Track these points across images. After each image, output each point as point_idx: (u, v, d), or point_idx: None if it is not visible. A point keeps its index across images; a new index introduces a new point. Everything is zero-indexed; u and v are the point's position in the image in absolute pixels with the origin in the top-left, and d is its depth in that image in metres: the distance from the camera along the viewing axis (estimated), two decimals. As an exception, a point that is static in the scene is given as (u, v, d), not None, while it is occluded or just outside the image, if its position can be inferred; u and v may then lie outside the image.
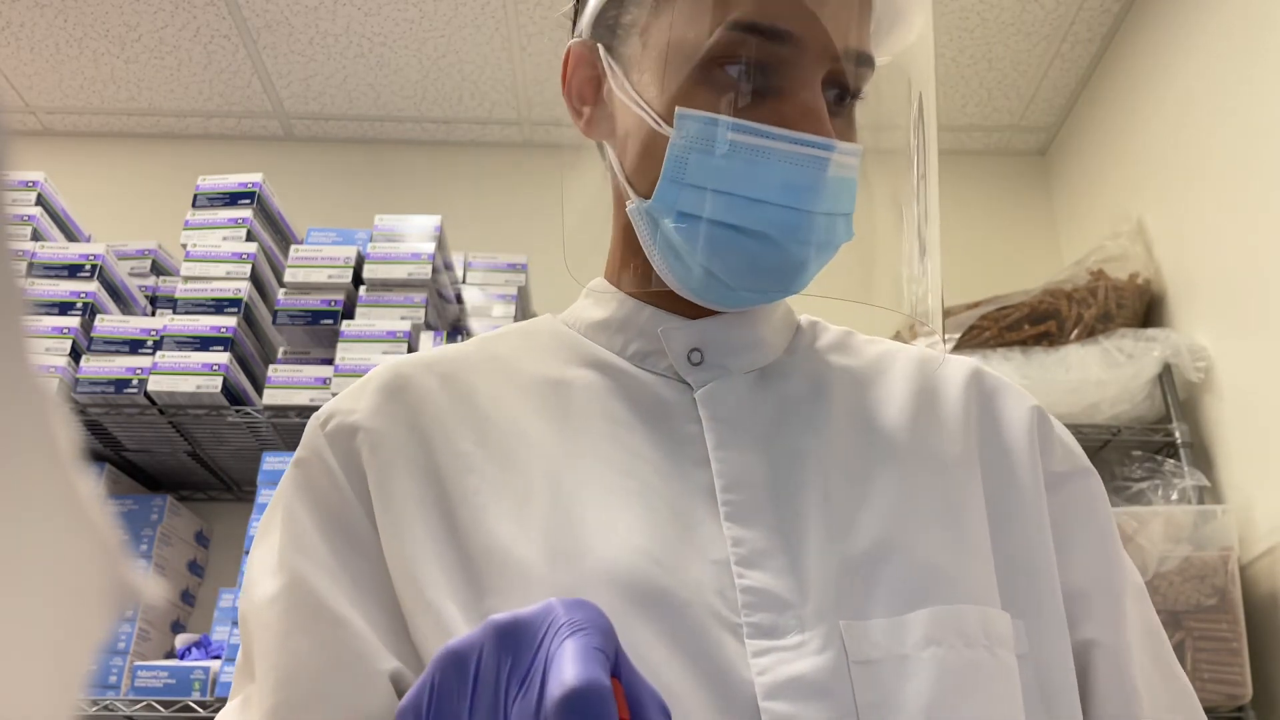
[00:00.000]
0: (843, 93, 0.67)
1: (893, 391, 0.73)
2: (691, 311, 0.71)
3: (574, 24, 0.74)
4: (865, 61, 0.68)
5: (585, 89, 0.73)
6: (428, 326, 2.04)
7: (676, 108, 0.65)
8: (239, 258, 2.04)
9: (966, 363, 0.76)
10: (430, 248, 2.08)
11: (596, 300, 0.75)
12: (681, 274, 0.67)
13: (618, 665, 0.47)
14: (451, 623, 0.61)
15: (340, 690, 0.61)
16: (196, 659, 1.86)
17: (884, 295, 0.70)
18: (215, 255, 2.05)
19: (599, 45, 0.71)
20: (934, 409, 0.72)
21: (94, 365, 1.94)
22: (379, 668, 0.61)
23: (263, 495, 1.88)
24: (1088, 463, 0.75)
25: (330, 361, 1.99)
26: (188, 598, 2.11)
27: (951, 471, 0.69)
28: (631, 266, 0.72)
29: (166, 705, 1.78)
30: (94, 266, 2.02)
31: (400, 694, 0.61)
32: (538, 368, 0.72)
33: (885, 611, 0.61)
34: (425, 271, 2.05)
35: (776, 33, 0.64)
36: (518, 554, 0.62)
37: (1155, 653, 0.72)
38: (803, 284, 0.68)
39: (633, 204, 0.68)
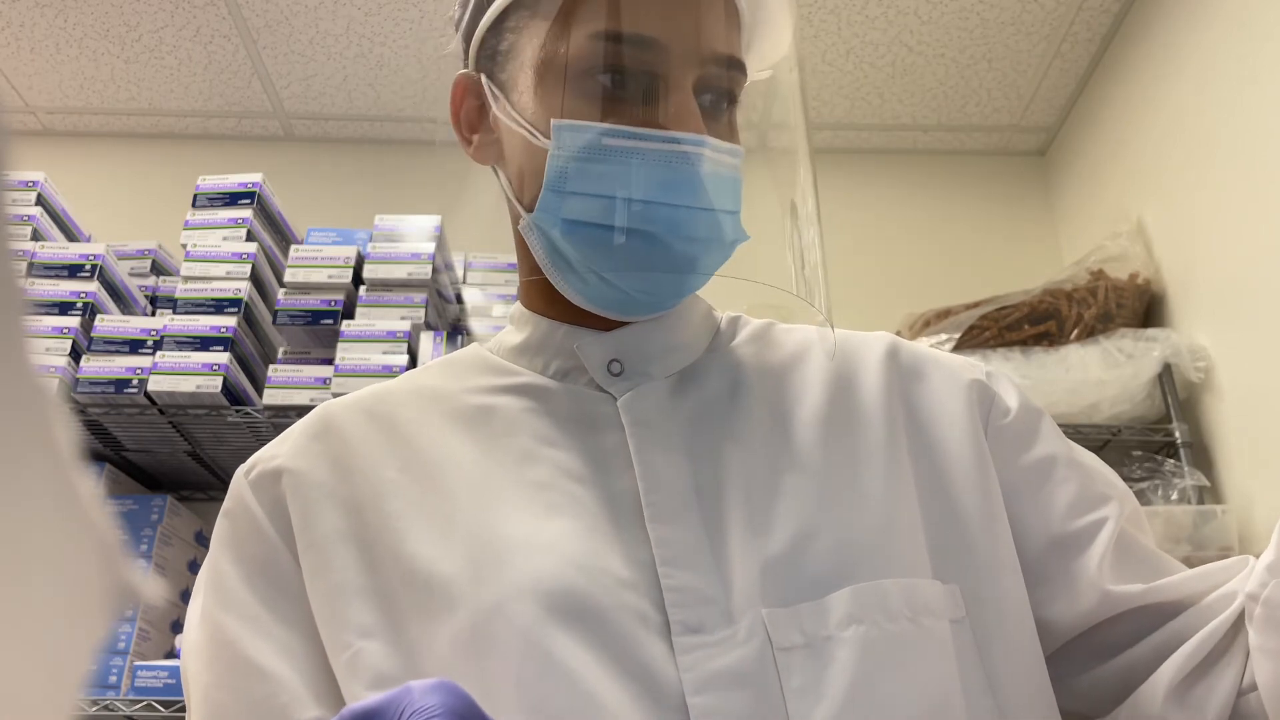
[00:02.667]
0: (717, 98, 0.69)
1: (809, 381, 0.74)
2: (605, 324, 0.73)
3: (464, 58, 0.77)
4: (734, 65, 0.70)
5: (472, 117, 0.75)
6: (428, 326, 2.04)
7: (552, 120, 0.67)
8: (239, 258, 2.04)
9: (882, 341, 0.78)
10: (430, 248, 2.08)
11: (516, 325, 0.77)
12: (577, 285, 0.69)
13: None
14: (367, 661, 0.62)
15: None
16: (196, 659, 1.85)
17: (771, 281, 0.72)
18: (215, 255, 2.05)
19: (481, 75, 0.74)
20: (850, 393, 0.73)
21: (94, 365, 1.94)
22: (299, 717, 0.63)
23: (263, 495, 1.87)
24: (1030, 404, 0.76)
25: (330, 361, 1.99)
26: (188, 598, 2.11)
27: (870, 453, 0.70)
28: (535, 286, 0.74)
29: (166, 705, 1.78)
30: (94, 266, 2.02)
31: None
32: (462, 394, 0.74)
33: (808, 596, 0.62)
34: (425, 271, 2.05)
35: (642, 40, 0.66)
36: (440, 574, 0.63)
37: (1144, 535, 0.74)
38: (694, 285, 0.70)
39: (523, 221, 0.70)
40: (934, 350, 0.79)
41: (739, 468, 0.68)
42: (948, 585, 0.66)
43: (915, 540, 0.67)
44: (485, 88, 0.73)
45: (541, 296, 0.74)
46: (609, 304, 0.70)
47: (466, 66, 0.76)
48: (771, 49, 0.75)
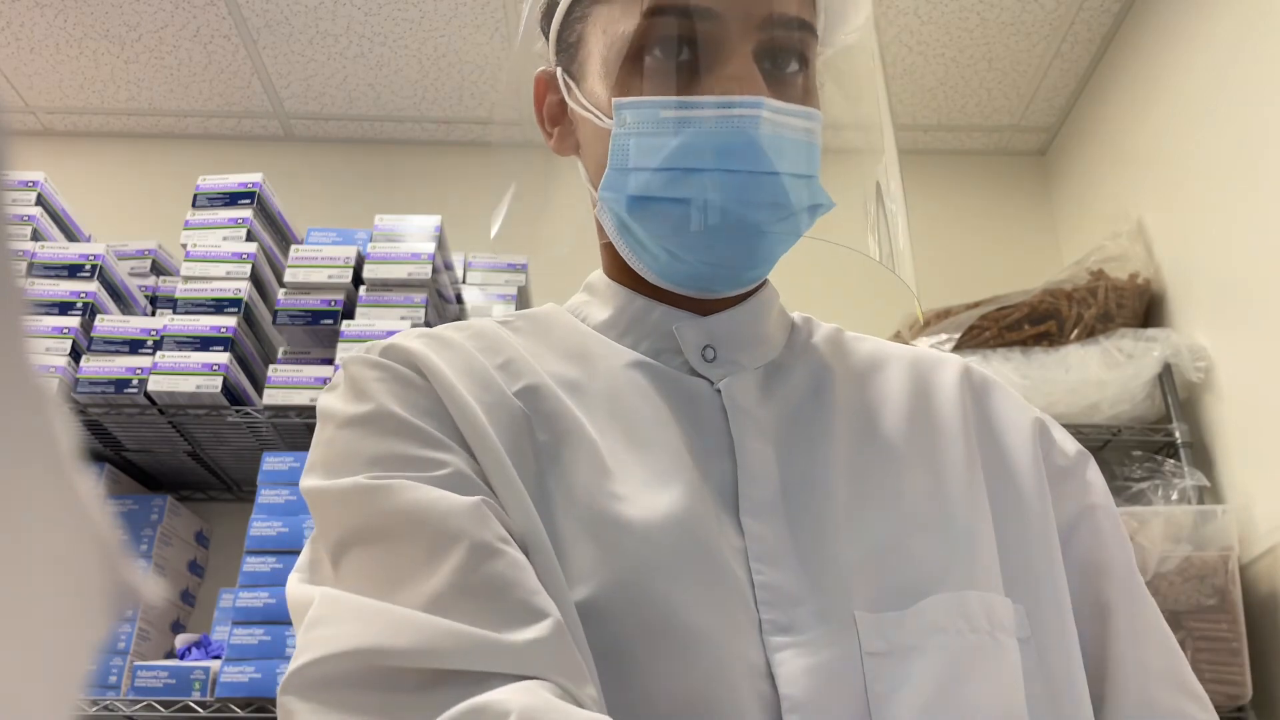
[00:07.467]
0: (783, 60, 0.68)
1: (888, 391, 0.74)
2: (700, 308, 0.72)
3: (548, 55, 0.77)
4: (798, 26, 0.68)
5: (554, 111, 0.75)
6: (428, 326, 2.04)
7: (613, 100, 0.67)
8: (239, 258, 2.04)
9: (956, 362, 0.78)
10: (430, 248, 2.08)
11: (600, 298, 0.76)
12: (649, 262, 0.69)
13: None
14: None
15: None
16: (196, 659, 1.86)
17: (859, 250, 0.73)
18: (215, 255, 2.05)
19: (558, 69, 0.74)
20: (930, 409, 0.73)
21: (94, 365, 1.94)
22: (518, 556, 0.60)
23: (263, 495, 1.87)
24: (1083, 450, 0.76)
25: (330, 361, 1.99)
26: (188, 598, 2.11)
27: (951, 469, 0.70)
28: (623, 266, 0.73)
29: (166, 705, 1.78)
30: (94, 266, 2.02)
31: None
32: (559, 354, 0.72)
33: (895, 604, 0.63)
34: (425, 271, 2.05)
35: (695, 10, 0.66)
36: (562, 539, 0.62)
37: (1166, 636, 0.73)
38: (765, 253, 0.68)
39: (597, 206, 0.70)
40: (997, 379, 0.79)
41: (826, 467, 0.68)
42: (1016, 605, 0.66)
43: (992, 556, 0.67)
44: (560, 80, 0.73)
45: (626, 270, 0.73)
46: (681, 279, 0.69)
47: (545, 62, 0.76)
48: (849, 8, 0.74)
